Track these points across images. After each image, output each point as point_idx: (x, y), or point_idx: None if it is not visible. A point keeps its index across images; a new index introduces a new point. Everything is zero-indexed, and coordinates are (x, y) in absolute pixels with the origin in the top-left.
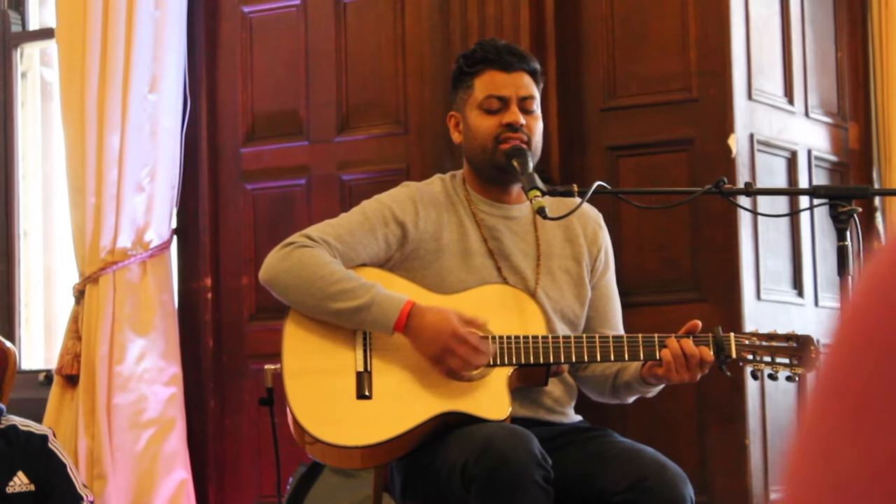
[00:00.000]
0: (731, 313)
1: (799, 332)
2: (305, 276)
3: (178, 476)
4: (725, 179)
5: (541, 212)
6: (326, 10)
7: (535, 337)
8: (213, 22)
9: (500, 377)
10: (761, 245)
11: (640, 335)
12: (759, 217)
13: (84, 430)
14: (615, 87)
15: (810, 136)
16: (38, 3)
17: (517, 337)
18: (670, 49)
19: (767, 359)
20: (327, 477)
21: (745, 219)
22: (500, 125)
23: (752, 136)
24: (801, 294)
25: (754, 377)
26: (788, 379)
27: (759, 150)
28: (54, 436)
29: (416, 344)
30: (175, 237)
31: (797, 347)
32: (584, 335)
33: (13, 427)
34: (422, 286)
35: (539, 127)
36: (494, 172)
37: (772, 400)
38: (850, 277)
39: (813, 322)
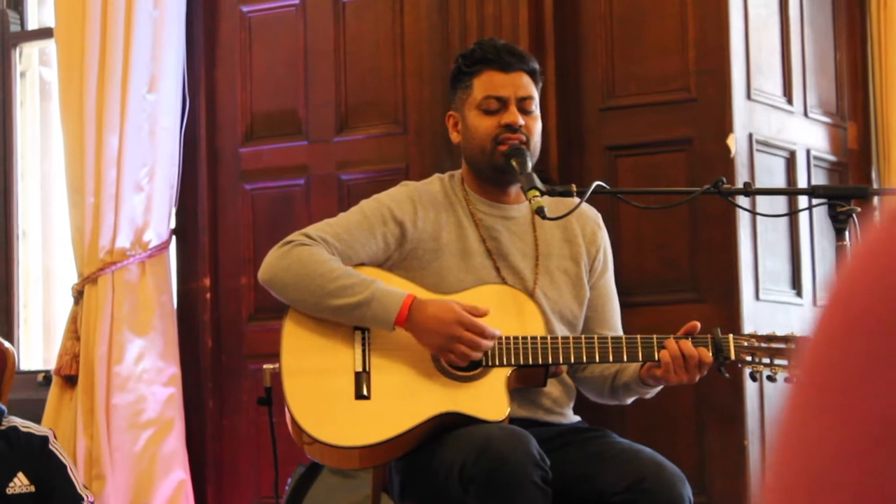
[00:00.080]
0: (729, 313)
1: (798, 332)
2: (305, 274)
3: (176, 476)
4: (724, 179)
5: (539, 212)
6: (325, 9)
7: (533, 338)
8: (211, 21)
9: (498, 378)
10: (760, 245)
11: (638, 336)
12: (758, 217)
13: (83, 430)
14: (614, 86)
15: (809, 135)
16: (36, 3)
17: (516, 337)
18: (669, 49)
19: (766, 360)
20: (326, 477)
21: (743, 219)
22: (499, 125)
23: (750, 135)
24: (799, 294)
25: (753, 378)
26: (787, 380)
27: (757, 150)
28: (55, 437)
29: (419, 336)
30: (174, 237)
31: (796, 348)
32: (583, 336)
33: (14, 428)
34: (420, 286)
35: (538, 127)
36: (493, 172)
37: (770, 401)
38: None
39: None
